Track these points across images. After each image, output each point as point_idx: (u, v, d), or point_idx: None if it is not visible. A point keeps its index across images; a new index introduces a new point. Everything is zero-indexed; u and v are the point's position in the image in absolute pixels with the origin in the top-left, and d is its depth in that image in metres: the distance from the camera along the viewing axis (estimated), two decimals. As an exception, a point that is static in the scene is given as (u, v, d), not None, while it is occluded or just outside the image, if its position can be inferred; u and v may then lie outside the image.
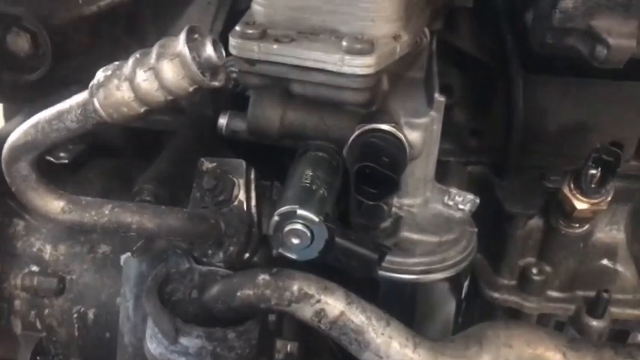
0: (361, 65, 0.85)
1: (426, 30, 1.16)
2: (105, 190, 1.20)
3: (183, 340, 0.86)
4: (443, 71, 1.21)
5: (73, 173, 1.24)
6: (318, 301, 0.85)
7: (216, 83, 0.75)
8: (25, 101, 1.23)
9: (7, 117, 1.37)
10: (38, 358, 1.13)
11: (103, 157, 1.33)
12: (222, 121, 1.10)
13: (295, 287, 0.86)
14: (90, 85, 0.77)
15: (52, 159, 1.19)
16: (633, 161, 1.33)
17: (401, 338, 0.85)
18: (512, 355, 0.91)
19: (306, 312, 0.85)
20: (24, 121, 1.04)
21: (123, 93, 0.75)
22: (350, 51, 0.85)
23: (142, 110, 0.76)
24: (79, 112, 0.79)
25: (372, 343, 0.84)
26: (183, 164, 1.12)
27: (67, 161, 1.21)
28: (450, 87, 1.32)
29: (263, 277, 0.87)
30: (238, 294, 0.87)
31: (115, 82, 0.75)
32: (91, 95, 0.77)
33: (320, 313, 0.85)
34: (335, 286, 0.87)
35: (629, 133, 1.29)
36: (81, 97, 0.79)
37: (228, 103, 1.30)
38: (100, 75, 0.76)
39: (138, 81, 0.73)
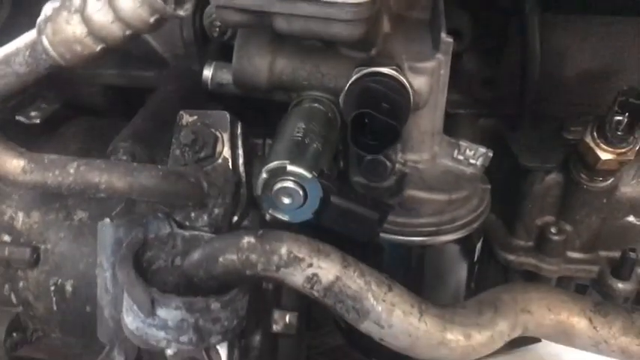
0: (354, -8, 0.75)
1: (431, -35, 1.08)
2: (83, 151, 1.11)
3: (161, 313, 0.79)
4: (451, 14, 1.13)
5: (47, 134, 1.15)
6: (310, 265, 0.77)
7: (180, 12, 0.65)
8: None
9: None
10: (15, 334, 1.06)
11: (83, 118, 1.25)
12: (207, 73, 1.06)
13: (284, 250, 0.78)
14: (37, 21, 0.67)
15: (22, 119, 1.11)
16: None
17: (405, 305, 0.77)
18: (532, 321, 0.85)
19: (296, 278, 0.78)
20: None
21: (74, 27, 0.66)
22: (341, -25, 0.76)
23: (98, 48, 0.67)
24: (27, 53, 0.70)
25: (372, 311, 0.77)
26: (164, 121, 1.05)
27: (38, 121, 1.13)
28: (458, 32, 1.24)
29: (248, 240, 0.78)
30: (221, 259, 0.79)
31: (64, 14, 0.65)
32: (39, 33, 0.68)
33: (312, 279, 0.77)
34: (329, 248, 0.79)
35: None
36: (29, 36, 0.70)
37: (217, 56, 1.23)
38: (47, 8, 0.67)
39: (89, 12, 0.65)
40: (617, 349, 0.85)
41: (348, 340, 1.27)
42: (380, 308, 0.77)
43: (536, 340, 1.47)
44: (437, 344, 0.78)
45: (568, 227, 1.24)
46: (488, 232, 1.27)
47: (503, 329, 0.81)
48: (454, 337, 0.78)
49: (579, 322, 0.84)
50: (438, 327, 0.77)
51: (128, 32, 0.65)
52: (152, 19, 0.64)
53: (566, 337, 0.86)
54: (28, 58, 0.69)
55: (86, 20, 0.64)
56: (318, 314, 1.45)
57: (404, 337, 0.78)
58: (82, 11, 0.64)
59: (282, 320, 1.04)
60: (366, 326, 0.78)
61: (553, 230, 1.24)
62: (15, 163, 0.80)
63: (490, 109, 1.32)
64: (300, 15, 0.78)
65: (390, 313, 0.77)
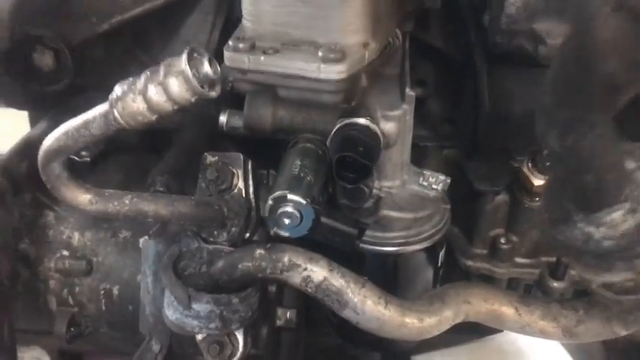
0: (335, 72, 0.96)
1: (399, 32, 1.29)
2: (123, 183, 1.29)
3: (196, 306, 0.97)
4: (417, 67, 1.33)
5: (94, 169, 1.34)
6: (305, 269, 0.98)
7: (213, 93, 0.90)
8: (50, 109, 1.34)
9: (32, 122, 1.47)
10: (72, 329, 1.21)
11: (120, 154, 1.43)
12: (223, 118, 1.20)
13: (286, 258, 0.99)
14: (110, 98, 0.92)
15: (75, 157, 1.27)
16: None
17: (374, 297, 0.99)
18: (471, 310, 1.05)
19: (295, 278, 0.99)
20: (48, 124, 1.18)
21: (138, 105, 0.89)
22: (325, 60, 0.96)
23: (154, 118, 0.91)
24: (101, 121, 0.92)
25: (350, 302, 0.98)
26: (190, 158, 1.22)
27: (88, 159, 1.32)
28: (424, 81, 1.45)
29: (259, 252, 0.99)
30: (239, 266, 0.99)
31: (131, 95, 0.89)
32: (111, 107, 0.91)
33: (307, 279, 0.98)
34: (319, 256, 1.00)
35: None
36: (103, 108, 0.93)
37: (228, 102, 1.43)
38: (117, 90, 0.91)
39: (150, 95, 0.88)
40: (537, 331, 1.05)
41: (337, 331, 1.42)
42: (356, 300, 0.97)
43: (497, 330, 1.67)
44: (398, 326, 0.98)
45: (515, 238, 1.40)
46: (451, 242, 1.44)
47: (448, 315, 1.02)
48: (411, 320, 0.98)
49: (507, 310, 1.04)
50: (399, 313, 0.98)
51: (175, 107, 0.89)
52: (193, 99, 0.89)
53: (498, 321, 1.06)
54: (102, 123, 0.91)
55: (146, 100, 0.87)
56: (316, 316, 1.64)
57: (374, 321, 0.98)
58: (144, 94, 0.88)
59: (284, 316, 1.22)
60: (346, 313, 0.98)
61: (502, 240, 1.39)
62: (84, 196, 1.01)
63: (451, 142, 1.49)
64: (297, 87, 1.00)
65: (363, 303, 0.97)
